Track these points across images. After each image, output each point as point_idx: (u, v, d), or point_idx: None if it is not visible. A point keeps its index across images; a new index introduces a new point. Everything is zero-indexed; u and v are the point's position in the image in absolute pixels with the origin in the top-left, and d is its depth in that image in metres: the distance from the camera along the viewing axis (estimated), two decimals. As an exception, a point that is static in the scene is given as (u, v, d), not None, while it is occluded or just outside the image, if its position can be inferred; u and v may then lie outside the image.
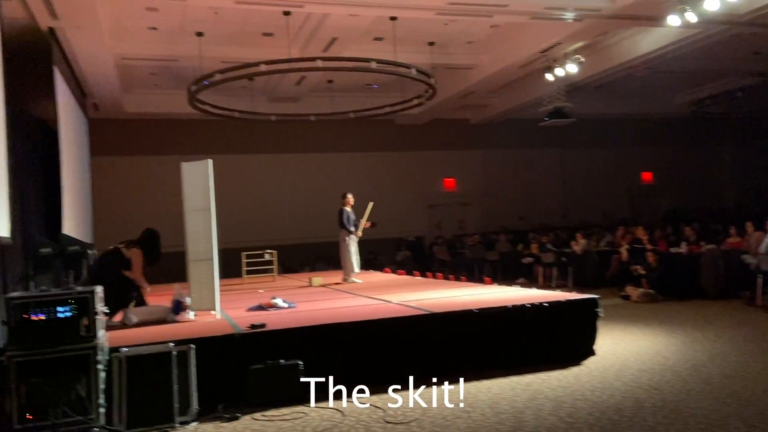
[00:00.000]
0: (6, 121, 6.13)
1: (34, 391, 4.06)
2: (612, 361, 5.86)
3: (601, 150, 19.44)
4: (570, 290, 7.84)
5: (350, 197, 9.86)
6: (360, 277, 10.01)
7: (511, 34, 12.16)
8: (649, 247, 11.05)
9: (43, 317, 4.23)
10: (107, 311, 5.85)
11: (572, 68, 12.33)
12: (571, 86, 13.92)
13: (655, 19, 10.47)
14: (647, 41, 12.33)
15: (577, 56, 12.19)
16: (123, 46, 11.24)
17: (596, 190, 19.39)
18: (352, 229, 9.72)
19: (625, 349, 6.34)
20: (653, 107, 18.21)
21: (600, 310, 6.17)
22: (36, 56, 9.14)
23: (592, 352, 6.06)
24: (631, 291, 10.17)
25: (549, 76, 12.90)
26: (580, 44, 12.09)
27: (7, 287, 6.40)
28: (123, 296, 6.28)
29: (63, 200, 9.12)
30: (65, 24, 9.13)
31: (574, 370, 5.56)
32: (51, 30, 9.26)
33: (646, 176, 20.90)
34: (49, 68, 9.19)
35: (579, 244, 12.43)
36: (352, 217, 9.81)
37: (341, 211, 9.75)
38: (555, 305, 6.07)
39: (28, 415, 4.06)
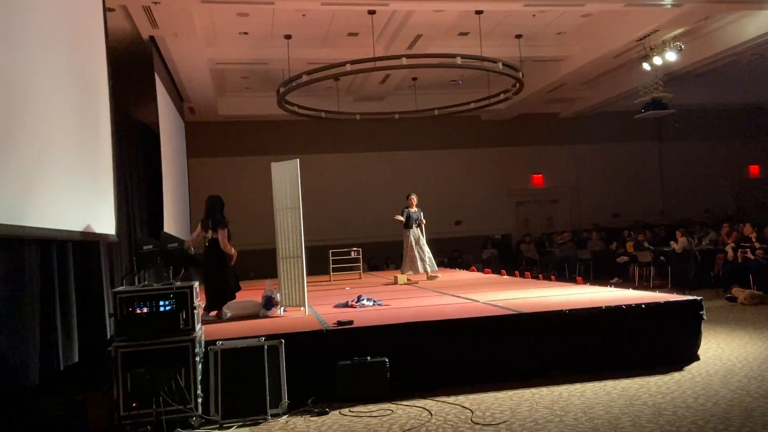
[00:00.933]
0: (113, 126, 6.54)
1: (138, 380, 4.29)
2: (717, 366, 5.49)
3: (704, 142, 18.29)
4: (669, 291, 7.43)
5: (413, 197, 10.04)
6: (418, 278, 9.95)
7: (605, 23, 11.67)
8: (757, 245, 10.29)
9: (146, 310, 4.46)
10: (210, 305, 6.15)
11: (671, 56, 11.65)
12: (669, 75, 13.19)
13: (761, 2, 9.75)
14: (754, 26, 11.45)
15: (676, 43, 11.52)
16: (216, 51, 11.72)
17: (698, 185, 18.28)
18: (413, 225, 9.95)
19: (732, 355, 5.93)
20: (761, 96, 16.93)
21: (703, 313, 5.80)
22: (139, 64, 9.72)
23: (695, 357, 5.70)
24: (738, 292, 9.51)
25: (646, 66, 12.27)
26: (679, 30, 11.42)
27: (114, 282, 6.85)
28: (225, 293, 6.50)
29: (164, 200, 9.65)
30: (164, 32, 9.62)
31: (675, 376, 5.24)
32: (152, 38, 9.80)
33: (754, 170, 19.47)
34: (150, 75, 9.73)
35: (679, 243, 11.75)
36: (415, 216, 9.97)
37: (402, 211, 9.99)
38: (653, 307, 5.76)
39: (134, 403, 4.30)
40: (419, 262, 9.85)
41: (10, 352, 3.93)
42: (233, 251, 6.47)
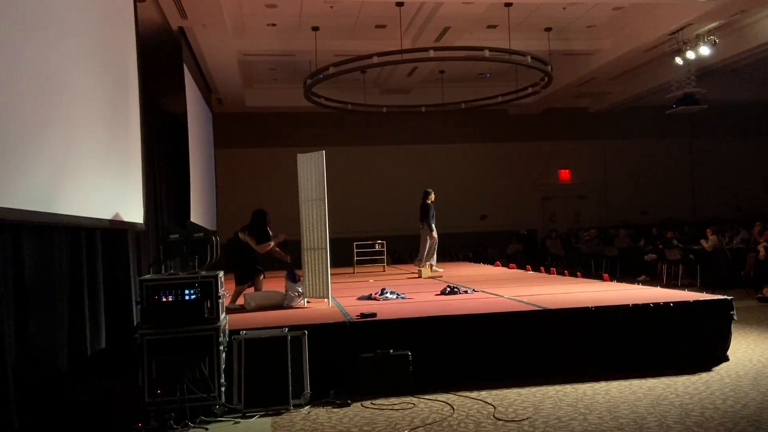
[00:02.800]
0: (142, 116, 6.61)
1: (163, 367, 4.34)
2: (747, 368, 5.38)
3: (736, 139, 17.87)
4: (698, 290, 7.29)
5: (433, 195, 10.20)
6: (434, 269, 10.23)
7: (637, 16, 11.45)
8: (791, 245, 10.03)
9: (171, 299, 4.51)
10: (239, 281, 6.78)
11: (705, 51, 11.38)
12: (702, 70, 12.90)
13: (803, -6, 9.45)
14: (792, 19, 11.15)
15: (710, 37, 11.24)
16: (244, 42, 11.77)
17: (730, 183, 17.87)
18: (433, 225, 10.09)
19: (763, 356, 5.80)
20: (797, 92, 16.47)
21: (734, 313, 5.67)
22: (168, 55, 9.80)
23: (724, 358, 5.59)
24: (770, 293, 9.30)
25: (678, 60, 12.01)
26: (714, 24, 11.16)
27: (141, 270, 6.94)
28: (246, 274, 6.96)
29: (191, 190, 9.74)
30: (193, 23, 9.68)
31: (703, 377, 5.15)
32: (181, 29, 9.87)
33: (788, 168, 19.00)
34: (179, 66, 9.80)
35: (710, 241, 11.51)
36: (432, 212, 10.15)
37: (427, 207, 10.08)
38: (682, 306, 5.65)
39: (158, 390, 4.35)
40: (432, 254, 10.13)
41: (40, 337, 4.01)
42: (277, 254, 7.22)
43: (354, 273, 11.00)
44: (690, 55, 11.68)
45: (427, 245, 10.13)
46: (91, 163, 4.94)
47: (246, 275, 7.00)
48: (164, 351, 4.38)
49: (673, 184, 18.18)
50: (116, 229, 5.80)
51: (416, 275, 9.92)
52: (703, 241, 11.72)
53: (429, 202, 10.07)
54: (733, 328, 5.76)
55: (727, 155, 18.00)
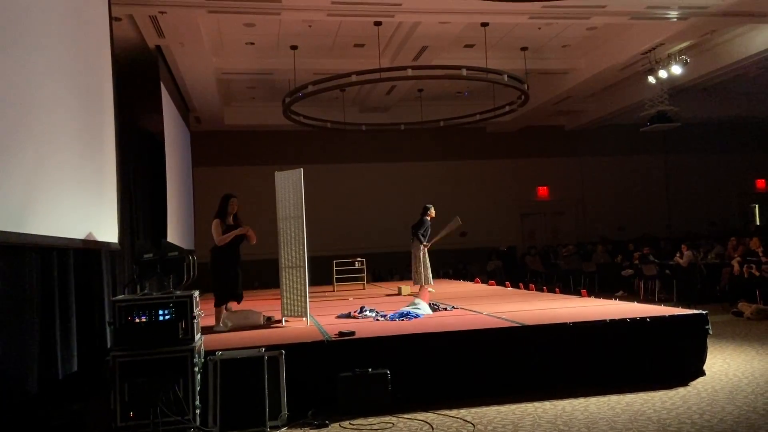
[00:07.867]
0: (117, 134, 6.54)
1: (136, 390, 4.24)
2: (723, 382, 5.42)
3: (709, 156, 18.26)
4: (674, 305, 7.36)
5: (433, 210, 9.72)
6: (433, 287, 9.92)
7: (610, 36, 11.68)
8: (764, 259, 10.20)
9: (144, 320, 4.41)
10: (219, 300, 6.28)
11: (677, 69, 11.65)
12: (675, 89, 13.18)
13: (769, 15, 9.73)
14: (760, 39, 11.45)
15: (682, 57, 11.51)
16: (223, 61, 11.77)
17: (703, 199, 18.21)
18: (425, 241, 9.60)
19: (738, 370, 5.85)
20: (767, 109, 16.91)
21: (709, 327, 5.73)
22: (144, 73, 9.75)
23: (701, 373, 5.63)
24: (744, 307, 9.42)
25: (651, 79, 12.26)
26: (685, 44, 11.44)
27: (116, 290, 6.83)
28: (227, 289, 6.47)
29: (168, 209, 9.65)
30: (170, 42, 9.66)
31: (680, 391, 5.18)
32: (158, 48, 9.84)
33: (760, 183, 19.41)
34: (156, 85, 9.76)
35: (684, 256, 11.67)
36: (430, 230, 9.73)
37: (422, 222, 9.58)
38: (658, 321, 5.70)
39: (131, 414, 4.25)
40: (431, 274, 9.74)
41: (9, 360, 3.91)
42: (218, 239, 6.44)
43: (333, 291, 10.94)
44: (662, 74, 11.93)
45: (419, 262, 9.57)
46: (63, 183, 4.87)
47: (226, 289, 6.42)
48: (137, 373, 4.28)
49: (649, 201, 18.46)
50: (89, 249, 5.70)
51: (395, 293, 9.88)
52: (678, 256, 11.87)
53: (427, 218, 9.62)
54: (709, 342, 5.81)
55: (700, 172, 18.37)
